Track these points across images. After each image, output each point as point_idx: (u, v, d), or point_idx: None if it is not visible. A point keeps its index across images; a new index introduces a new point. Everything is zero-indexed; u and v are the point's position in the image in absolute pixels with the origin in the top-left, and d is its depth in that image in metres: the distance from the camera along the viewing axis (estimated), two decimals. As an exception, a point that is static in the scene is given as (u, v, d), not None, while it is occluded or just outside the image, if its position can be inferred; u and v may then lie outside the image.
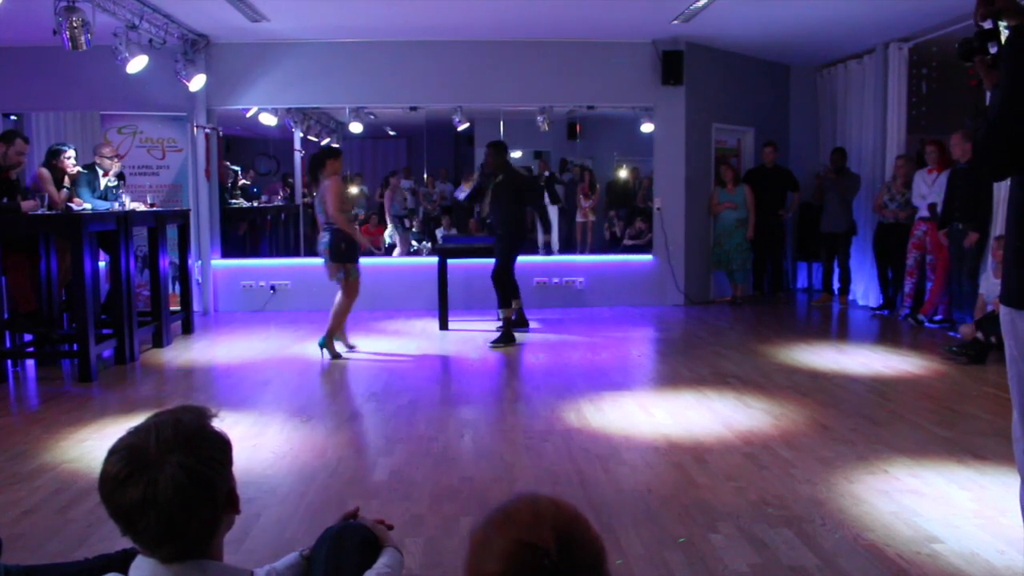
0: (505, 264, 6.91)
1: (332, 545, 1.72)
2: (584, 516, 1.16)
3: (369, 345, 6.44)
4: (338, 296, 6.12)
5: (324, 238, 6.01)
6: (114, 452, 1.32)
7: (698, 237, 9.13)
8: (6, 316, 5.88)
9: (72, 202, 6.36)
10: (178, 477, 1.29)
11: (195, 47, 8.23)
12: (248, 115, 8.81)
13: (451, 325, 7.54)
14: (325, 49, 8.55)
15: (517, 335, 6.95)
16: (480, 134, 10.32)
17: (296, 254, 9.83)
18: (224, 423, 1.43)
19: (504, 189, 6.83)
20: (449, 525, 3.09)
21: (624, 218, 10.26)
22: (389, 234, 10.03)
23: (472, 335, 7.27)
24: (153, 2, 6.95)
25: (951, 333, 6.90)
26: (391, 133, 10.87)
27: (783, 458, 3.82)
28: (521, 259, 7.19)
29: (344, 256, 6.00)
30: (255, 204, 10.05)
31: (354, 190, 10.20)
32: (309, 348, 6.57)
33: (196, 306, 8.17)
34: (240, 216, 9.68)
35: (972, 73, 2.16)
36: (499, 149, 6.92)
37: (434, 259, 7.83)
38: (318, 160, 6.12)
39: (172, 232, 7.55)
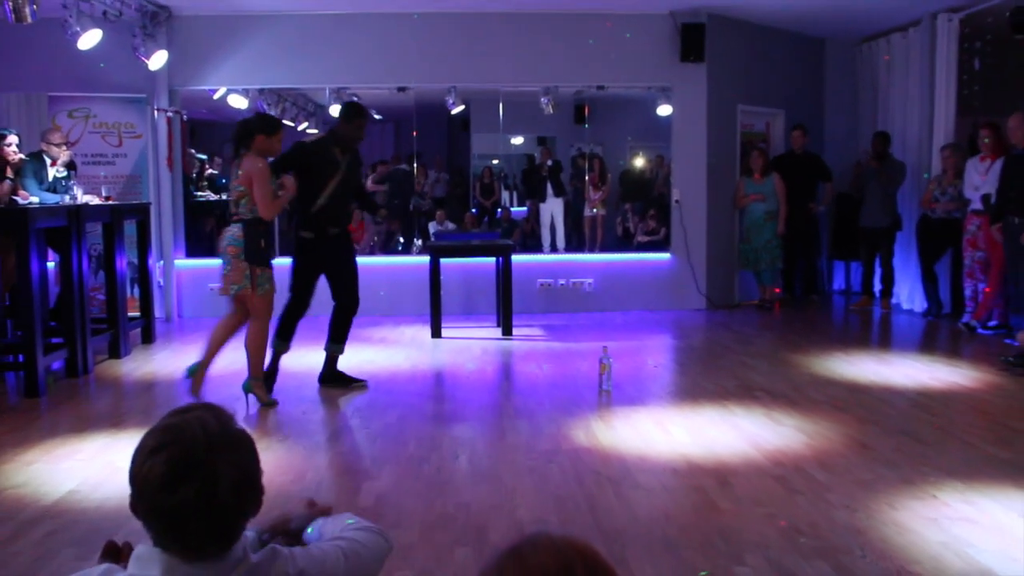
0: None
1: None
2: (609, 564, 1.12)
3: (353, 356, 6.43)
4: (249, 324, 5.24)
5: (233, 232, 5.04)
6: (155, 451, 1.38)
7: (722, 233, 9.15)
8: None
9: (16, 195, 6.37)
10: (233, 476, 1.39)
11: (155, 20, 8.24)
12: (215, 97, 8.82)
13: (444, 333, 7.56)
14: (302, 22, 8.56)
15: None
16: (476, 117, 10.33)
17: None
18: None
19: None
20: (442, 555, 3.10)
21: (640, 212, 10.27)
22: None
23: (468, 343, 7.28)
24: (108, -30, 6.98)
25: (1007, 340, 6.90)
26: (377, 117, 10.86)
27: (818, 481, 3.83)
28: (522, 258, 7.06)
29: (261, 257, 5.08)
30: (223, 197, 10.04)
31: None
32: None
33: (158, 312, 8.18)
34: (206, 210, 9.68)
35: None
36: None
37: (425, 258, 7.84)
38: (246, 130, 5.07)
39: (130, 228, 7.56)
